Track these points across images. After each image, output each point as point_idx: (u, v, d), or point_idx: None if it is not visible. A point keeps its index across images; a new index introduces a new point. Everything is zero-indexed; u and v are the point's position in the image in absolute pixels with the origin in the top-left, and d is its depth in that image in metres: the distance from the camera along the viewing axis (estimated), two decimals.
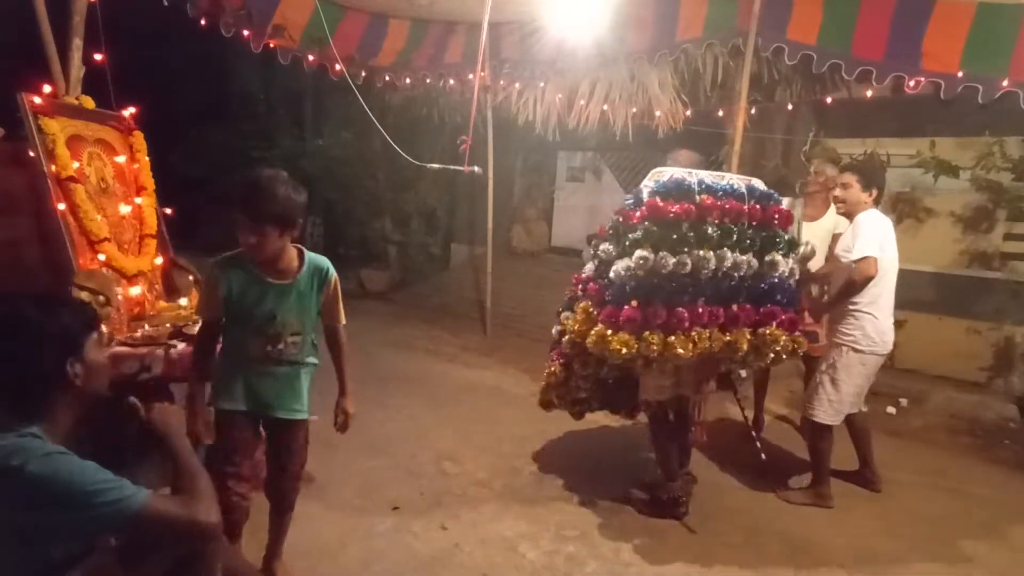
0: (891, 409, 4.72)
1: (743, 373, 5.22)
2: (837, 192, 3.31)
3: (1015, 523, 3.27)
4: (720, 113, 5.66)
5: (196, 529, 1.46)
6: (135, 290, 3.23)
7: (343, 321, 2.36)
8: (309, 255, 2.22)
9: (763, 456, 3.53)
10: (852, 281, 3.08)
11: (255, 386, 2.18)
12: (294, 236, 2.13)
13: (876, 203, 3.22)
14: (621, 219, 2.74)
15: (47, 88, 3.22)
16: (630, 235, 2.63)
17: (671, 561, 2.77)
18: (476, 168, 5.27)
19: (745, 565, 2.78)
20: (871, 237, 3.06)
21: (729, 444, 4.06)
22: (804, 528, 3.10)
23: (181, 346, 2.84)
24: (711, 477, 3.59)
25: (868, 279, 3.05)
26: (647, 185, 2.81)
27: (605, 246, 2.77)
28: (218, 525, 1.51)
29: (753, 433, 3.81)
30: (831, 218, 3.85)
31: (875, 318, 3.12)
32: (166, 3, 4.69)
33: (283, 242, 2.09)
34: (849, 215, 3.28)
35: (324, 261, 2.27)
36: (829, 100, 5.32)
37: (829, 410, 3.23)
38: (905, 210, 5.38)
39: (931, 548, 2.99)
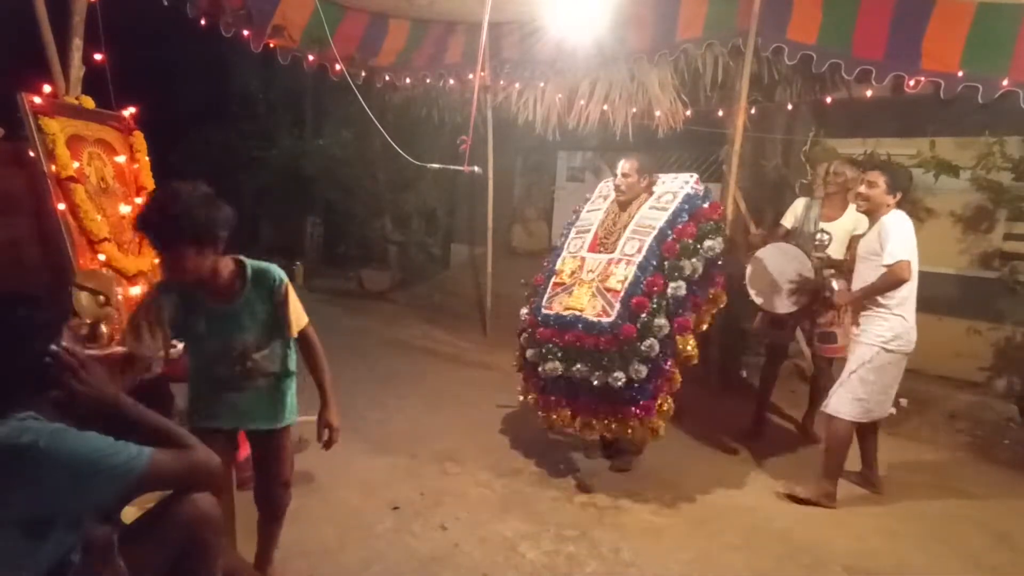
0: (891, 409, 4.70)
1: (744, 372, 5.27)
2: (861, 189, 3.25)
3: (1015, 523, 3.26)
4: (720, 113, 5.66)
5: (202, 473, 1.58)
6: (135, 290, 3.23)
7: (304, 322, 2.17)
8: (251, 266, 2.05)
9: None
10: (887, 283, 3.08)
11: (233, 401, 2.09)
12: (219, 251, 1.95)
13: (897, 207, 3.19)
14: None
15: (47, 88, 3.22)
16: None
17: (671, 561, 2.77)
18: (476, 168, 5.27)
19: (745, 565, 2.78)
20: (903, 240, 3.06)
21: (730, 444, 4.06)
22: (804, 528, 3.10)
23: (181, 346, 2.83)
24: (711, 477, 3.59)
25: (903, 282, 3.06)
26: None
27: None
28: (219, 465, 1.62)
29: None
30: (850, 218, 3.82)
31: (904, 319, 3.13)
32: (166, 3, 4.69)
33: (206, 260, 1.90)
34: (869, 214, 3.26)
35: (269, 271, 2.09)
36: (829, 100, 5.32)
37: (856, 408, 3.21)
38: (905, 210, 5.36)
39: (931, 548, 2.99)
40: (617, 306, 3.11)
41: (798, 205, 4.07)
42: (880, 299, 3.16)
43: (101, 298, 2.76)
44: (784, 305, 3.74)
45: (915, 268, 3.12)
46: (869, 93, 4.86)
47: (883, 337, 3.14)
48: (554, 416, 3.34)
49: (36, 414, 1.42)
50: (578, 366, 3.14)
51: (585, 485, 3.37)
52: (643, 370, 3.04)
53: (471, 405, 4.58)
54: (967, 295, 5.21)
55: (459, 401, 4.65)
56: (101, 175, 3.32)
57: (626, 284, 3.15)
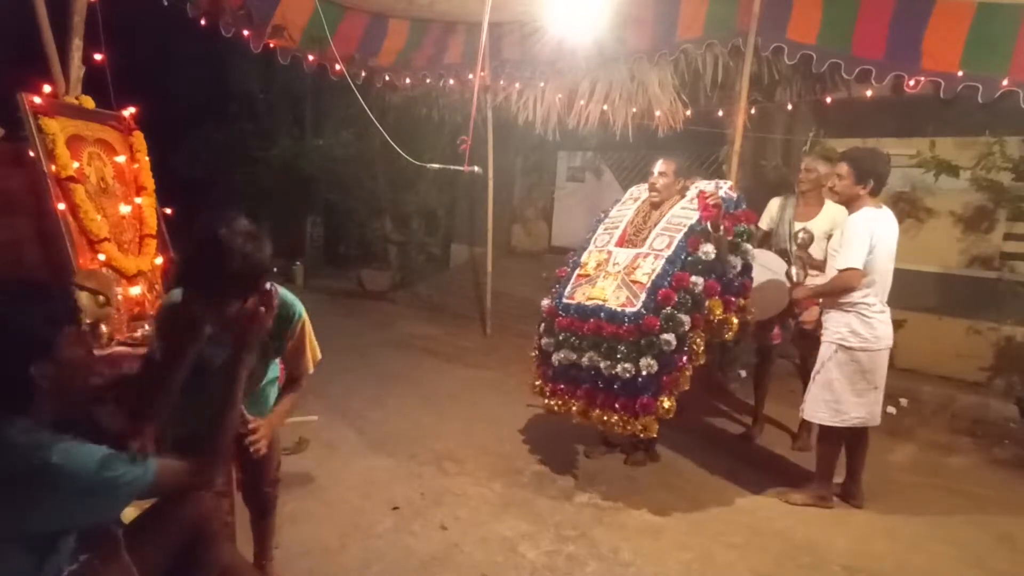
0: (891, 409, 4.71)
1: (743, 372, 5.27)
2: (830, 184, 3.25)
3: (1016, 523, 3.27)
4: (720, 113, 5.66)
5: (200, 484, 1.64)
6: (135, 290, 3.23)
7: (310, 369, 2.15)
8: (279, 295, 1.94)
9: None
10: (833, 287, 3.12)
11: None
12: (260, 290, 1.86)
13: (873, 195, 3.13)
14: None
15: (47, 88, 3.22)
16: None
17: (671, 561, 2.77)
18: (476, 168, 5.27)
19: (745, 565, 2.78)
20: (859, 244, 3.02)
21: (729, 444, 4.06)
22: (804, 528, 3.10)
23: None
24: (711, 477, 3.59)
25: (849, 290, 3.06)
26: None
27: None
28: (213, 480, 1.69)
29: None
30: (827, 216, 3.76)
31: (862, 316, 3.08)
32: (166, 3, 4.69)
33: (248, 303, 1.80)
34: (846, 206, 3.23)
35: (290, 305, 2.01)
36: (829, 100, 5.32)
37: (826, 410, 3.19)
38: (905, 210, 5.38)
39: (931, 548, 2.99)
40: (643, 297, 3.13)
41: (772, 205, 4.04)
42: (833, 297, 3.15)
43: (101, 298, 2.76)
44: (761, 310, 3.75)
45: (883, 263, 3.08)
46: (869, 93, 4.85)
47: (839, 334, 3.12)
48: (556, 404, 3.36)
49: (38, 425, 1.40)
50: (590, 355, 3.15)
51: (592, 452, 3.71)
52: (654, 365, 3.01)
53: (471, 405, 4.58)
54: (967, 295, 5.20)
55: (459, 401, 4.65)
56: (101, 175, 3.31)
57: (653, 276, 3.18)
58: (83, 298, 2.66)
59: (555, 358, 3.31)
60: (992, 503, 3.48)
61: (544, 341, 3.43)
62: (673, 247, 3.25)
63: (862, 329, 3.10)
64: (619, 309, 3.14)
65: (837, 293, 3.12)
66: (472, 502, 3.18)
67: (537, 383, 3.52)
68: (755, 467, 3.72)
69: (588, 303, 3.27)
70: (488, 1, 4.36)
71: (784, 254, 3.83)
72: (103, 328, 2.74)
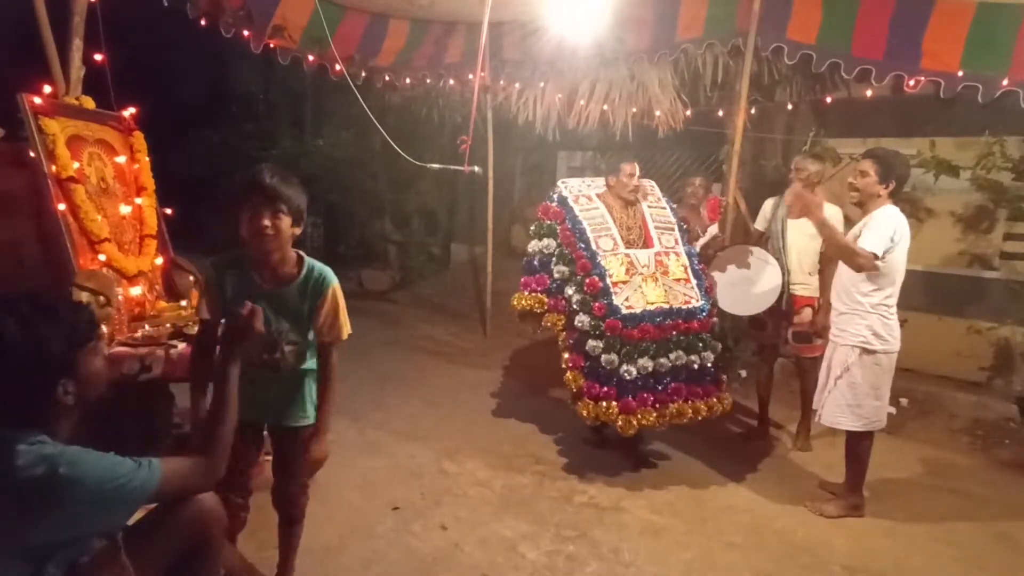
0: (891, 409, 4.70)
1: (743, 372, 5.27)
2: (851, 179, 3.16)
3: (1016, 523, 3.27)
4: (720, 113, 5.66)
5: (202, 487, 1.64)
6: (135, 290, 3.23)
7: (343, 336, 2.16)
8: (309, 262, 2.12)
9: None
10: (846, 246, 3.03)
11: (257, 395, 2.05)
12: (297, 236, 2.06)
13: (892, 196, 3.09)
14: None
15: (47, 88, 3.22)
16: None
17: (671, 561, 2.77)
18: (476, 168, 5.27)
19: (745, 565, 2.78)
20: (882, 234, 2.96)
21: (729, 444, 4.06)
22: (804, 528, 3.10)
23: (181, 346, 2.84)
24: (711, 477, 3.59)
25: (859, 269, 3.01)
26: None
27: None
28: (218, 480, 1.66)
29: None
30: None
31: (883, 317, 3.05)
32: (166, 3, 4.69)
33: (291, 236, 2.03)
34: (860, 206, 3.16)
35: (324, 271, 2.13)
36: (829, 100, 5.32)
37: (850, 415, 3.12)
38: (905, 210, 5.32)
39: (931, 548, 2.99)
40: (697, 292, 3.54)
41: (767, 206, 4.03)
42: (858, 297, 3.09)
43: (101, 298, 2.76)
44: (746, 307, 3.75)
45: (899, 265, 3.06)
46: (869, 93, 4.85)
47: (862, 337, 3.07)
48: (634, 420, 3.22)
49: (47, 435, 1.41)
50: (678, 354, 3.35)
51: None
52: (719, 346, 3.55)
53: (471, 405, 4.58)
54: (967, 295, 5.20)
55: (459, 401, 4.65)
56: (101, 175, 3.31)
57: (690, 272, 3.60)
58: (83, 298, 2.66)
59: (627, 370, 3.21)
60: (992, 503, 3.49)
61: (605, 358, 3.25)
62: (681, 244, 3.70)
63: (883, 331, 3.05)
64: (689, 307, 3.45)
65: (844, 254, 3.04)
66: (472, 502, 3.18)
67: (602, 404, 3.26)
68: (755, 467, 3.72)
69: (651, 308, 3.36)
70: (488, 1, 4.36)
71: (777, 253, 3.83)
72: (103, 328, 2.74)
